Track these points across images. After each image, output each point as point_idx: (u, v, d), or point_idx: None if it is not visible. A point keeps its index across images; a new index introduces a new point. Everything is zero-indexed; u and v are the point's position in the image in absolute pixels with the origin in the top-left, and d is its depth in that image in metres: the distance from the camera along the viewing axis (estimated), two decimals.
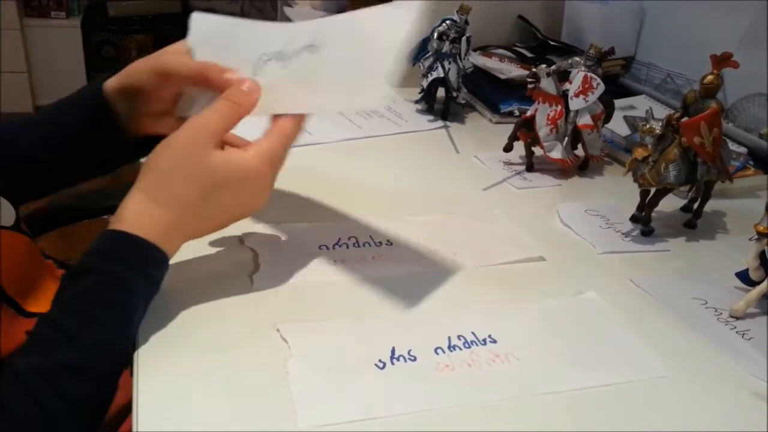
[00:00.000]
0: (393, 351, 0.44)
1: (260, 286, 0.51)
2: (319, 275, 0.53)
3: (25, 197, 0.61)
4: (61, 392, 0.39)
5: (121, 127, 0.57)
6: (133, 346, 0.43)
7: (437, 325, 0.48)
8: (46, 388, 0.38)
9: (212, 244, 0.55)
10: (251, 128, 0.56)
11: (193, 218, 0.46)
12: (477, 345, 0.46)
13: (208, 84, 0.54)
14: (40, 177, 0.60)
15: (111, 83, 0.56)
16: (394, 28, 0.52)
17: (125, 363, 0.43)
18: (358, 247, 0.58)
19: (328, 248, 0.57)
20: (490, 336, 0.47)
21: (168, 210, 0.45)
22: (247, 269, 0.52)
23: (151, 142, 0.51)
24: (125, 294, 0.43)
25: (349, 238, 0.58)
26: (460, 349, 0.46)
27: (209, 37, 0.57)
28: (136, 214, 0.45)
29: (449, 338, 0.46)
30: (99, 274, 0.42)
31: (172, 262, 0.51)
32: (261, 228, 0.58)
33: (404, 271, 0.55)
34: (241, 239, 0.56)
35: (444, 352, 0.45)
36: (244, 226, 0.57)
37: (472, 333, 0.47)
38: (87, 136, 0.58)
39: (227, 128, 0.48)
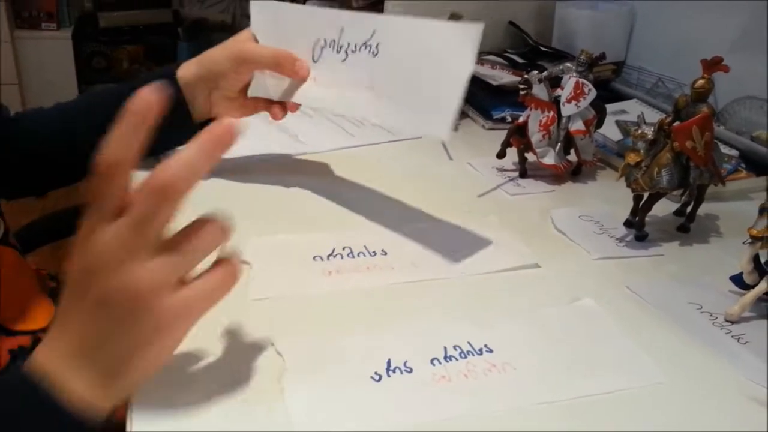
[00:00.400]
0: (389, 363, 0.44)
1: (254, 299, 0.50)
2: (314, 287, 0.53)
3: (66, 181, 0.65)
4: None
5: (191, 112, 0.63)
6: None
7: (433, 336, 0.47)
8: None
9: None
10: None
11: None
12: (473, 355, 0.46)
13: (281, 70, 0.62)
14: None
15: (188, 71, 0.63)
16: (461, 53, 0.53)
17: None
18: (353, 257, 0.57)
19: (322, 259, 0.57)
20: (486, 345, 0.47)
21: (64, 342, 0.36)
22: (240, 282, 0.52)
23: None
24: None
25: (343, 248, 0.58)
26: (457, 359, 0.45)
27: (269, 23, 0.63)
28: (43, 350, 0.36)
29: (445, 348, 0.46)
30: None
31: None
32: (254, 240, 0.58)
33: (399, 281, 0.55)
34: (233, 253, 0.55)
35: (440, 362, 0.45)
36: (236, 239, 0.57)
37: (468, 343, 0.47)
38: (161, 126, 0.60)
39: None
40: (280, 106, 0.67)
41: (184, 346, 0.44)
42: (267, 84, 0.64)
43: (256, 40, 0.64)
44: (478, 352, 0.46)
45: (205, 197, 0.64)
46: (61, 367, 0.34)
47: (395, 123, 0.62)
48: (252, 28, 0.64)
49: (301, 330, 0.47)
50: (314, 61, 0.62)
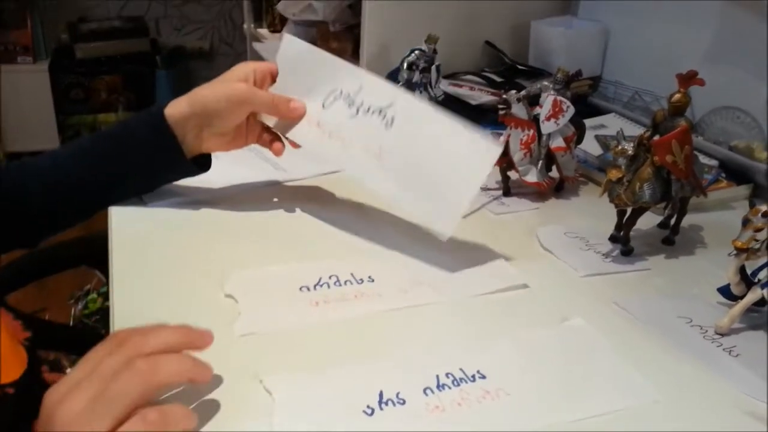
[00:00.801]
0: (381, 395, 0.43)
1: (241, 336, 0.49)
2: (302, 319, 0.52)
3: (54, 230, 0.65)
4: None
5: (180, 149, 0.63)
6: None
7: (425, 364, 0.47)
8: None
9: (190, 294, 0.54)
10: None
11: None
12: (466, 382, 0.45)
13: (276, 112, 0.65)
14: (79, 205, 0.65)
15: (177, 109, 0.63)
16: (476, 165, 0.56)
17: None
18: (340, 285, 0.57)
19: (309, 289, 0.56)
20: (478, 371, 0.46)
21: None
22: (227, 318, 0.51)
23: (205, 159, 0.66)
24: None
25: (330, 277, 0.57)
26: (450, 387, 0.45)
27: (294, 60, 0.66)
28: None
29: (437, 377, 0.45)
30: None
31: (148, 315, 0.50)
32: (239, 273, 0.57)
33: (388, 308, 0.54)
34: (218, 288, 0.55)
35: (433, 392, 0.44)
36: (221, 273, 0.56)
37: (461, 370, 0.46)
38: (149, 166, 0.64)
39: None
40: (280, 142, 0.68)
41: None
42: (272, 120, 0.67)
43: (272, 78, 0.66)
44: (471, 379, 0.46)
45: (190, 228, 0.64)
46: None
47: (396, 200, 0.62)
48: (277, 58, 0.66)
49: (289, 365, 0.46)
50: (323, 107, 0.64)
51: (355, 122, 0.62)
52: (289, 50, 0.66)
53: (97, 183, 0.64)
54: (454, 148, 0.57)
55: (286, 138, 0.68)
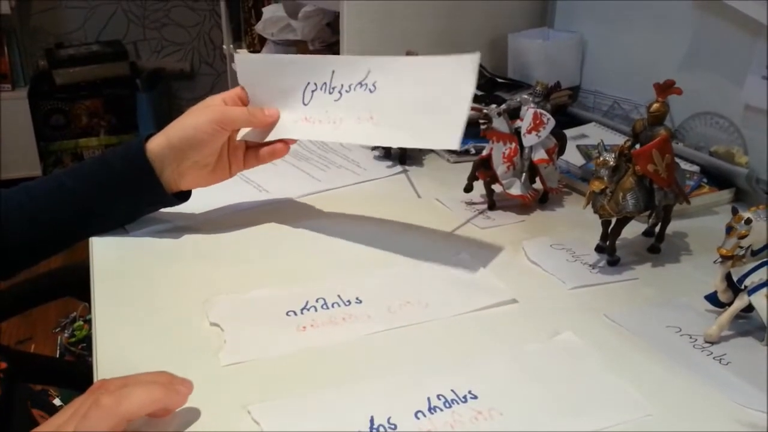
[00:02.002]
0: (372, 421, 0.43)
1: (228, 365, 0.48)
2: (289, 345, 0.51)
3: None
4: None
5: (160, 184, 0.63)
6: None
7: (415, 387, 0.46)
8: None
9: (175, 324, 0.53)
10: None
11: None
12: (458, 403, 0.45)
13: (255, 122, 0.65)
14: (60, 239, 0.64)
15: (156, 144, 0.62)
16: (462, 79, 0.57)
17: None
18: (327, 308, 0.56)
19: (296, 314, 0.55)
20: (470, 392, 0.46)
21: None
22: (212, 347, 0.50)
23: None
24: None
25: (316, 300, 0.57)
26: (441, 409, 0.44)
27: (256, 75, 0.66)
28: None
29: (429, 399, 0.45)
30: None
31: (132, 346, 0.49)
32: (224, 300, 0.56)
33: (376, 330, 0.53)
34: (203, 316, 0.54)
35: (425, 415, 0.43)
36: (205, 300, 0.55)
37: (452, 391, 0.46)
38: (128, 201, 0.64)
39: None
40: (280, 142, 0.67)
41: (157, 419, 0.42)
42: (250, 132, 0.67)
43: (243, 103, 0.66)
44: (463, 400, 0.45)
45: (173, 256, 0.63)
46: None
47: (400, 140, 0.63)
48: (240, 81, 0.66)
49: (277, 393, 0.46)
50: (305, 104, 0.64)
51: (340, 103, 0.63)
52: (247, 68, 0.66)
53: (75, 218, 0.63)
54: (437, 74, 0.59)
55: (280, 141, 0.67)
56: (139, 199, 0.64)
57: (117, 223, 0.66)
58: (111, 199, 0.63)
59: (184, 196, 0.67)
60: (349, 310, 0.56)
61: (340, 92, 0.63)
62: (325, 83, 0.63)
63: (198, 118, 0.62)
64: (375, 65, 0.61)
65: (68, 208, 0.62)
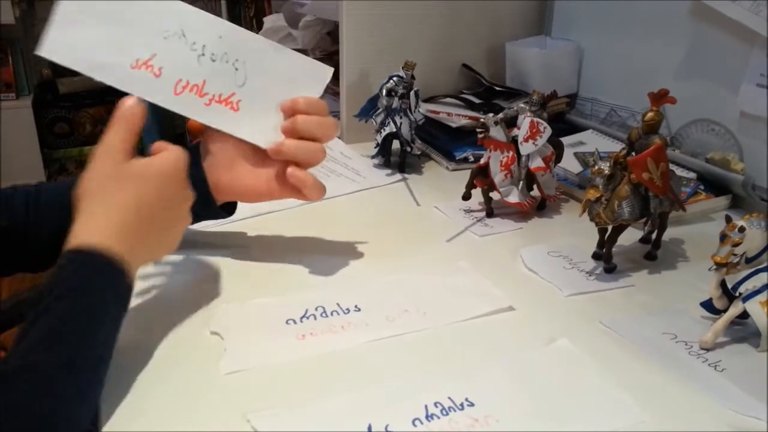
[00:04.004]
0: (370, 429, 0.43)
1: (227, 374, 0.49)
2: (289, 354, 0.52)
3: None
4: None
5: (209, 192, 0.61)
6: None
7: (413, 394, 0.47)
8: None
9: (175, 332, 0.54)
10: None
11: (139, 222, 0.49)
12: (455, 411, 0.45)
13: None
14: None
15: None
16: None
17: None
18: (326, 316, 0.57)
19: (295, 322, 0.56)
20: (467, 399, 0.46)
21: (112, 217, 0.48)
22: (212, 356, 0.51)
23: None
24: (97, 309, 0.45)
25: (316, 308, 0.57)
26: (438, 417, 0.45)
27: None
28: (86, 228, 0.47)
29: (426, 407, 0.45)
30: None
31: (133, 355, 0.49)
32: (223, 309, 0.57)
33: (375, 338, 0.54)
34: (204, 324, 0.54)
35: (422, 423, 0.44)
36: (206, 309, 0.56)
37: (449, 398, 0.46)
38: None
39: (130, 140, 0.51)
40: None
41: (155, 426, 0.43)
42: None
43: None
44: (460, 407, 0.45)
45: (173, 265, 0.64)
46: (120, 243, 0.46)
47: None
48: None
49: (277, 401, 0.46)
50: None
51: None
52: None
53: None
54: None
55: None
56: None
57: None
58: None
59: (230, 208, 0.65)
60: (348, 318, 0.56)
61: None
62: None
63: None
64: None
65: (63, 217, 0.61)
